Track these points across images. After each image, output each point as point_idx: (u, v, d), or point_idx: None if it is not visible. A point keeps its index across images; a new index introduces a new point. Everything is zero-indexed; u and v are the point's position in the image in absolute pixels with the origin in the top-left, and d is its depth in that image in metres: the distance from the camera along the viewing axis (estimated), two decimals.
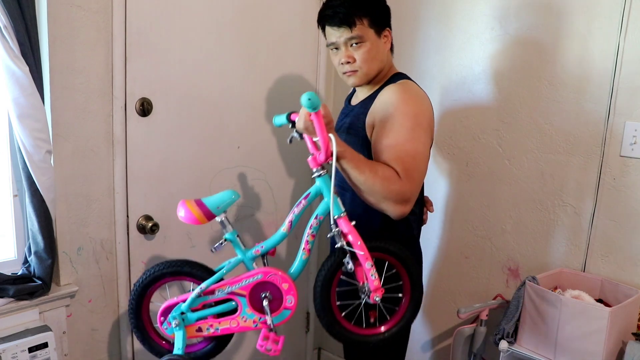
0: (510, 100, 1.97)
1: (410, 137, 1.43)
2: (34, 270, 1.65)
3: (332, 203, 1.35)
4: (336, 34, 1.54)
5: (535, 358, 1.68)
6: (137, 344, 1.98)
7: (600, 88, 1.76)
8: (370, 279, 1.34)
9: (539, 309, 1.68)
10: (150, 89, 1.85)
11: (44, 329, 1.65)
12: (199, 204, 1.40)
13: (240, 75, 2.12)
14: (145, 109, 1.84)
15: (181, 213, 1.40)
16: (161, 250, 1.98)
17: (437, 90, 2.16)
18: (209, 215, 1.40)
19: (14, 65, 1.48)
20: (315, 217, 1.41)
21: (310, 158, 1.36)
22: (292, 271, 1.44)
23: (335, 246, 1.38)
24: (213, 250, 1.44)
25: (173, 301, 1.45)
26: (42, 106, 1.57)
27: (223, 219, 1.43)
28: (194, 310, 1.44)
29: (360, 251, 1.33)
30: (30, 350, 1.59)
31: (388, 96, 1.51)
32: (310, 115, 1.31)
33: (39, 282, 1.64)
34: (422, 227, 1.77)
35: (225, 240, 1.44)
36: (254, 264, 1.46)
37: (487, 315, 1.97)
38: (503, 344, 1.74)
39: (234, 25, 2.06)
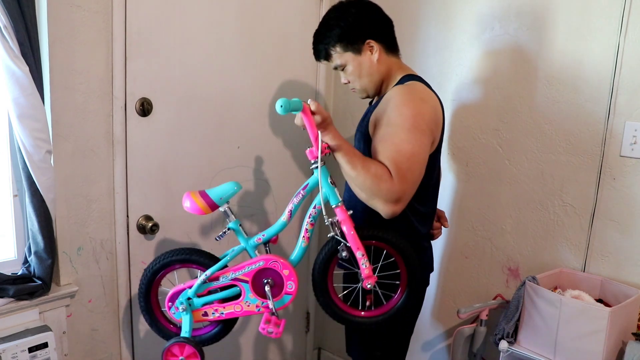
0: (510, 100, 1.97)
1: (407, 139, 1.44)
2: (34, 270, 1.65)
3: (321, 196, 1.41)
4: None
5: (535, 358, 1.68)
6: (137, 344, 1.99)
7: (600, 88, 1.76)
8: (362, 267, 1.40)
9: (539, 309, 1.68)
10: (150, 89, 1.85)
11: (44, 329, 1.65)
12: (203, 195, 1.46)
13: (240, 75, 2.12)
14: (145, 109, 1.84)
15: (187, 204, 1.46)
16: (161, 250, 1.97)
17: (437, 90, 2.15)
18: (213, 206, 1.46)
19: (14, 65, 1.48)
20: (314, 207, 1.46)
21: (308, 150, 1.41)
22: (292, 258, 1.51)
23: (328, 235, 1.43)
24: (217, 239, 1.50)
25: (180, 287, 1.52)
26: (42, 106, 1.57)
27: (226, 209, 1.50)
28: (200, 296, 1.52)
29: (351, 241, 1.39)
30: (30, 350, 1.59)
31: (390, 97, 1.53)
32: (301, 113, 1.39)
33: (39, 282, 1.64)
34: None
35: (229, 229, 1.51)
36: (256, 252, 1.52)
37: (487, 315, 1.98)
38: (503, 344, 1.74)
39: (234, 25, 2.06)
